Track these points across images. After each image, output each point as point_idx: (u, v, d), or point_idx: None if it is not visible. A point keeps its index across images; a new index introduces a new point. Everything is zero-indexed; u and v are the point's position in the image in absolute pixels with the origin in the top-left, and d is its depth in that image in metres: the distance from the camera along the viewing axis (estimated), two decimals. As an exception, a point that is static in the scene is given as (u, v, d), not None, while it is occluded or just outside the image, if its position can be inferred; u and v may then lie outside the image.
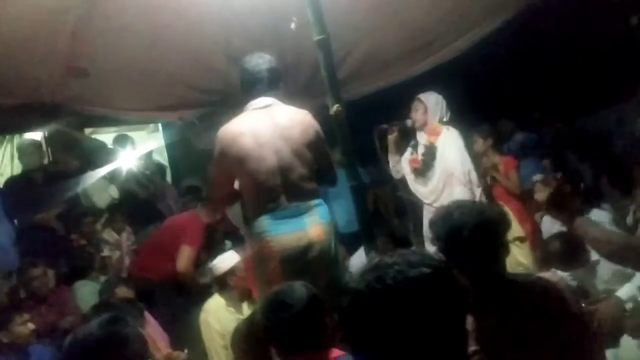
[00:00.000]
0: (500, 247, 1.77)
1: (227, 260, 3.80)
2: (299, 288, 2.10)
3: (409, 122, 4.13)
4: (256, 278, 2.89)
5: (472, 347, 1.61)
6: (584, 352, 1.68)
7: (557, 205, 1.89)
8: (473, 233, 1.71)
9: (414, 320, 1.06)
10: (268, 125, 2.79)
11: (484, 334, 1.63)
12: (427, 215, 3.94)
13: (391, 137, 4.11)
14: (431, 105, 4.09)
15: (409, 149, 4.18)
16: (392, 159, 4.18)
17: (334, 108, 2.88)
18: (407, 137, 4.23)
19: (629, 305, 2.95)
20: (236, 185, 2.97)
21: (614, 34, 5.49)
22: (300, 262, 2.66)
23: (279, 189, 2.74)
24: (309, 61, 4.41)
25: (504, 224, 1.82)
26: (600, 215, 3.55)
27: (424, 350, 1.07)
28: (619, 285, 3.08)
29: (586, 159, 5.33)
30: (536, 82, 6.13)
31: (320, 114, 3.00)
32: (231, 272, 3.74)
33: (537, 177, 4.27)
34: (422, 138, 4.12)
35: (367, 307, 1.10)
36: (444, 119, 4.08)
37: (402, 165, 4.18)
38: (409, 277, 1.07)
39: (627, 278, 3.07)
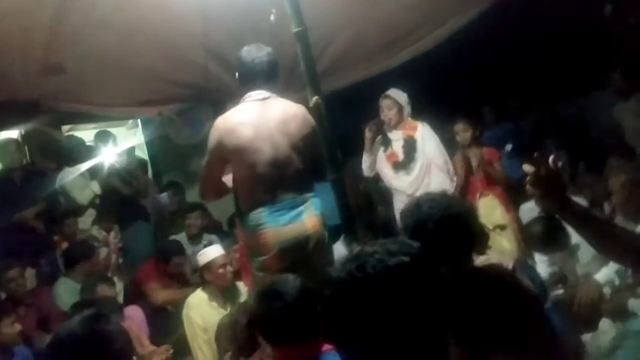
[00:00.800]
0: (467, 241, 1.81)
1: (205, 254, 3.80)
2: (292, 280, 2.14)
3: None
4: (251, 270, 2.89)
5: None
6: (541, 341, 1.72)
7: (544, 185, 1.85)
8: (438, 226, 1.75)
9: (395, 308, 1.08)
10: (266, 118, 2.79)
11: None
12: (397, 206, 4.01)
13: (368, 135, 4.15)
14: (404, 102, 4.22)
15: (381, 147, 4.23)
16: (366, 157, 4.22)
17: (314, 100, 2.89)
18: (381, 131, 4.30)
19: (606, 289, 3.00)
20: (225, 179, 2.97)
21: (589, 23, 5.57)
22: (298, 253, 2.70)
23: (276, 182, 2.75)
24: (287, 54, 4.40)
25: (471, 218, 1.86)
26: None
27: (405, 338, 1.08)
28: (598, 269, 3.14)
29: (564, 145, 5.39)
30: (513, 71, 6.18)
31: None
32: (207, 267, 3.73)
33: (527, 166, 4.26)
34: (396, 134, 4.21)
35: (348, 296, 1.12)
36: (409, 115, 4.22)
37: (378, 163, 4.24)
38: (389, 265, 1.09)
39: (606, 261, 3.12)
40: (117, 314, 2.38)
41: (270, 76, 2.88)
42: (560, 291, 3.30)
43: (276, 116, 2.81)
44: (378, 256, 1.11)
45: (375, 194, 5.19)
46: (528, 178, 1.59)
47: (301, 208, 2.77)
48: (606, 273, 3.19)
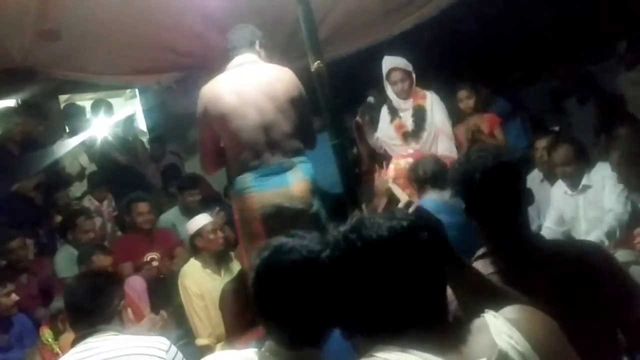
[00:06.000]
0: (519, 195, 1.63)
1: (194, 222, 3.86)
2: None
3: (371, 99, 4.17)
4: (241, 235, 2.88)
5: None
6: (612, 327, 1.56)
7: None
8: (489, 176, 1.58)
9: (393, 272, 1.10)
10: (250, 82, 2.77)
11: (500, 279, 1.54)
12: None
13: (361, 123, 4.15)
14: (411, 70, 4.10)
15: (388, 118, 4.16)
16: (370, 136, 4.21)
17: (315, 65, 2.84)
18: (372, 111, 4.27)
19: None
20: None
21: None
22: (282, 219, 2.62)
23: (263, 146, 2.73)
24: (288, 20, 4.33)
25: (521, 170, 1.70)
26: (604, 169, 3.51)
27: (402, 302, 1.11)
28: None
29: (588, 99, 5.26)
30: (514, 42, 6.10)
31: (301, 75, 2.96)
32: (198, 234, 3.81)
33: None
34: (405, 104, 4.10)
35: (347, 259, 1.14)
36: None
37: (381, 133, 4.19)
38: (388, 230, 1.11)
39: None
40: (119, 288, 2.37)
41: (251, 42, 2.90)
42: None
43: (260, 80, 2.79)
44: (376, 221, 1.13)
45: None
46: None
47: (288, 173, 2.73)
48: (597, 235, 3.22)
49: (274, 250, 1.41)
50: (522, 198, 1.63)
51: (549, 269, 1.55)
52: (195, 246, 3.83)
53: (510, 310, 1.13)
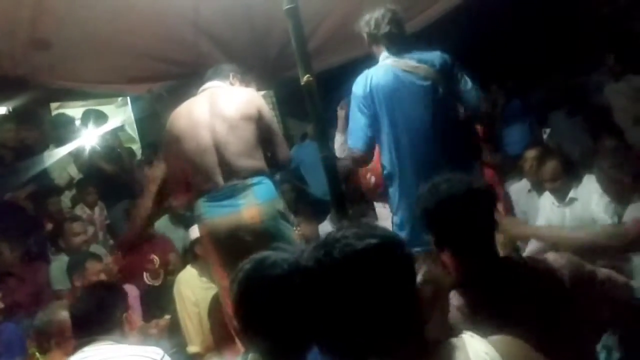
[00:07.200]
0: (490, 222, 1.62)
1: (195, 229, 3.82)
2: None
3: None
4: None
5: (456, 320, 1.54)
6: (578, 341, 1.55)
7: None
8: (461, 205, 1.57)
9: (364, 291, 1.07)
10: (202, 104, 2.76)
11: (472, 311, 1.54)
12: None
13: (341, 114, 3.80)
14: None
15: None
16: (338, 137, 3.83)
17: (305, 78, 2.85)
18: None
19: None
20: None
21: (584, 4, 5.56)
22: (235, 247, 2.52)
23: (215, 168, 2.67)
24: (279, 32, 4.36)
25: (492, 196, 1.68)
26: (591, 181, 3.47)
27: (375, 321, 1.08)
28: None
29: (577, 113, 5.30)
30: (508, 51, 6.14)
31: (291, 86, 2.98)
32: (198, 241, 3.77)
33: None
34: None
35: (317, 283, 1.10)
36: None
37: None
38: (357, 249, 1.07)
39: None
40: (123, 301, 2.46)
41: (225, 74, 2.93)
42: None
43: (214, 101, 2.76)
44: (345, 241, 1.09)
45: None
46: None
47: (240, 197, 2.64)
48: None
49: (256, 264, 1.41)
50: (493, 224, 1.62)
51: (522, 292, 1.54)
52: (194, 253, 3.80)
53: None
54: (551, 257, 1.64)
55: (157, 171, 3.21)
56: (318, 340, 1.21)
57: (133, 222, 3.50)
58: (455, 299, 1.56)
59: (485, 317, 1.45)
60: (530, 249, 3.61)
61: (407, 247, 1.13)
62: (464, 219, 1.56)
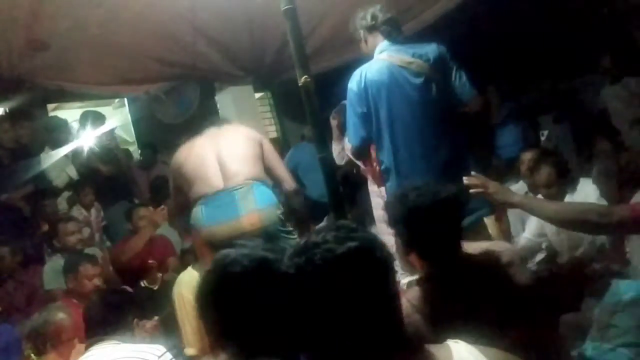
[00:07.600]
0: (457, 226, 1.76)
1: None
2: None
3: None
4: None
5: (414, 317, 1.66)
6: (530, 319, 1.70)
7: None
8: (429, 213, 1.69)
9: (346, 295, 1.05)
10: (207, 138, 2.83)
11: (432, 304, 1.69)
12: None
13: (334, 123, 3.93)
14: None
15: None
16: (335, 145, 3.75)
17: (302, 79, 2.85)
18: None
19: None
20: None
21: (581, 6, 5.57)
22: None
23: (215, 172, 2.68)
24: (277, 34, 4.36)
25: (460, 204, 1.79)
26: (586, 185, 3.52)
27: (357, 325, 1.06)
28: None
29: (564, 118, 5.31)
30: (505, 53, 6.15)
31: (289, 87, 2.98)
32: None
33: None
34: None
35: (298, 289, 1.08)
36: None
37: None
38: (337, 254, 1.05)
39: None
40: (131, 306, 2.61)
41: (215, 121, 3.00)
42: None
43: (218, 134, 2.83)
44: (325, 246, 1.06)
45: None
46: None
47: (239, 201, 2.59)
48: (581, 250, 3.31)
49: (214, 263, 1.37)
50: (460, 228, 1.77)
51: (478, 281, 1.71)
52: (196, 255, 3.79)
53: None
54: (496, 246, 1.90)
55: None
56: (299, 346, 1.18)
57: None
58: (410, 293, 1.75)
59: (438, 310, 1.65)
60: (525, 236, 3.68)
61: (386, 249, 1.12)
62: (428, 228, 1.71)
